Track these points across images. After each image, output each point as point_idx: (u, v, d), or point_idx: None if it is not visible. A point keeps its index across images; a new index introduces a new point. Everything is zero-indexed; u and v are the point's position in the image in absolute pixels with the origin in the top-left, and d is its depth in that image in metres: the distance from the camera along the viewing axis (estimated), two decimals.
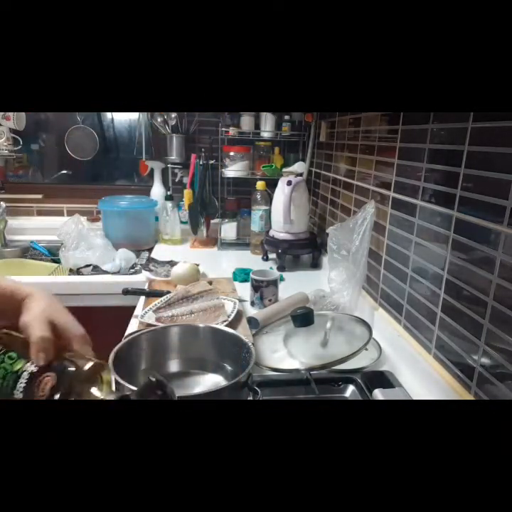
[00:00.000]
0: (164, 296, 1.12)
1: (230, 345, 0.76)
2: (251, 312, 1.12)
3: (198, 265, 1.33)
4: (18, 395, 0.45)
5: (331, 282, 1.20)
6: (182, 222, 1.87)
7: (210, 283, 1.19)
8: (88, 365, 0.47)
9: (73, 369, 0.46)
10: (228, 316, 1.02)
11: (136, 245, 1.69)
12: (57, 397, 0.44)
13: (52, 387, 0.45)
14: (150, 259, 1.56)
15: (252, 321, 1.04)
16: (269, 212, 1.66)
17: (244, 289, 1.26)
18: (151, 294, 1.21)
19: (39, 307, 0.50)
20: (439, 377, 0.84)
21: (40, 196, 2.02)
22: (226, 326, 0.91)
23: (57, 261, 1.61)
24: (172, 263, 1.46)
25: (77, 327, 0.51)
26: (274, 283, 1.18)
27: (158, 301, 1.09)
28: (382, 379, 0.83)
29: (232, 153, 1.79)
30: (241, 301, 1.16)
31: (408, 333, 0.99)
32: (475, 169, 0.74)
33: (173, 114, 1.87)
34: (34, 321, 0.48)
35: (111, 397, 0.45)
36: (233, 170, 1.79)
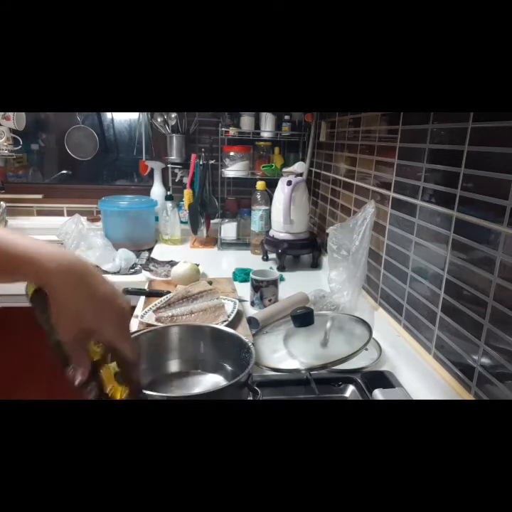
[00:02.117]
0: (164, 296, 1.12)
1: (230, 345, 0.76)
2: (251, 312, 1.12)
3: (198, 265, 1.33)
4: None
5: (331, 282, 1.20)
6: (182, 222, 1.87)
7: (210, 283, 1.19)
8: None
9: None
10: (228, 316, 1.02)
11: (136, 245, 1.69)
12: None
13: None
14: (150, 259, 1.56)
15: (252, 321, 1.04)
16: (269, 212, 1.66)
17: (244, 289, 1.26)
18: (151, 294, 1.21)
19: (67, 314, 0.44)
20: (439, 377, 0.84)
21: (40, 196, 2.02)
22: (226, 326, 0.91)
23: None
24: (172, 263, 1.46)
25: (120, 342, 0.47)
26: (274, 283, 1.18)
27: (158, 301, 1.09)
28: (382, 379, 0.83)
29: (232, 153, 1.79)
30: (241, 301, 1.16)
31: (408, 333, 0.99)
32: (475, 169, 0.74)
33: (173, 114, 1.87)
34: (64, 337, 0.45)
35: None
36: (233, 170, 1.79)
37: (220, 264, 1.63)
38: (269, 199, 1.68)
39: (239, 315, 1.05)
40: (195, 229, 1.81)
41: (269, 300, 1.18)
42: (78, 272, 0.45)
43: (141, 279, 1.41)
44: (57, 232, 1.56)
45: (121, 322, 0.48)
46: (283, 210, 1.51)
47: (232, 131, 1.76)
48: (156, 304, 1.08)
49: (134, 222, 1.73)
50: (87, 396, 0.47)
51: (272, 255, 1.63)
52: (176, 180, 2.03)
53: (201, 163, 1.79)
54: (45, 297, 0.46)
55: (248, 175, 1.81)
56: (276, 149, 1.84)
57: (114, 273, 1.46)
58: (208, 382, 0.76)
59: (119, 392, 0.48)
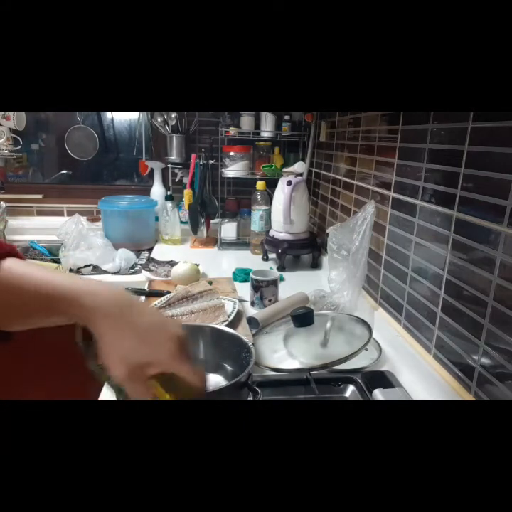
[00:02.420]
0: (164, 296, 1.12)
1: (230, 345, 0.76)
2: (251, 312, 1.12)
3: (198, 265, 1.33)
4: None
5: (331, 282, 1.20)
6: (182, 222, 1.87)
7: (210, 283, 1.19)
8: None
9: None
10: (228, 316, 1.02)
11: (136, 245, 1.69)
12: None
13: None
14: (150, 259, 1.56)
15: (252, 321, 1.04)
16: (269, 212, 1.66)
17: (244, 289, 1.26)
18: (151, 294, 1.21)
19: (115, 355, 0.41)
20: (439, 377, 0.84)
21: (40, 196, 2.02)
22: (226, 326, 0.91)
23: (57, 261, 1.61)
24: (172, 263, 1.46)
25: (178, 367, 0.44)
26: (274, 283, 1.18)
27: (158, 301, 1.09)
28: (382, 379, 0.83)
29: (232, 153, 1.79)
30: (241, 301, 1.16)
31: (408, 333, 0.99)
32: (475, 169, 0.74)
33: (173, 114, 1.87)
34: (117, 379, 0.42)
35: None
36: (233, 170, 1.79)
37: (220, 264, 1.63)
38: (269, 199, 1.68)
39: (239, 315, 1.05)
40: (195, 229, 1.81)
41: (269, 300, 1.18)
42: (118, 304, 0.43)
43: (141, 279, 1.41)
44: (57, 232, 1.56)
45: (177, 349, 0.44)
46: (283, 210, 1.51)
47: (232, 131, 1.76)
48: (156, 304, 1.08)
49: (134, 222, 1.73)
50: None
51: (272, 255, 1.63)
52: (176, 180, 2.03)
53: (201, 163, 1.79)
54: (92, 339, 0.44)
55: (248, 175, 1.81)
56: (276, 149, 1.84)
57: (114, 273, 1.46)
58: (208, 382, 0.76)
59: None
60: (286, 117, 1.78)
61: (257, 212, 1.70)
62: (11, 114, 1.76)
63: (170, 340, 0.44)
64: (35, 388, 1.38)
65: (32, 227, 1.93)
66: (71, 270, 1.51)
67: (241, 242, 1.81)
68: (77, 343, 0.47)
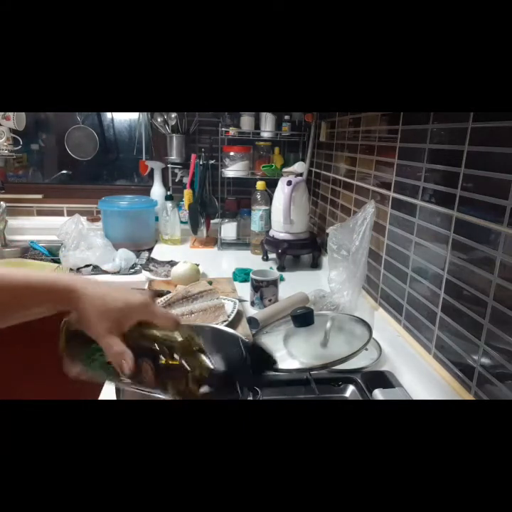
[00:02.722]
0: (164, 296, 1.12)
1: (230, 345, 0.76)
2: (251, 312, 1.12)
3: (198, 265, 1.33)
4: (126, 379, 0.49)
5: (331, 282, 1.20)
6: (182, 222, 1.87)
7: (210, 283, 1.19)
8: (178, 343, 0.51)
9: (163, 362, 0.49)
10: (228, 316, 1.02)
11: (136, 245, 1.69)
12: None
13: (154, 373, 0.48)
14: (150, 259, 1.56)
15: (252, 321, 1.04)
16: (269, 212, 1.66)
17: (244, 289, 1.26)
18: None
19: (96, 312, 0.49)
20: (439, 377, 0.84)
21: (40, 196, 2.02)
22: (226, 326, 0.91)
23: (57, 261, 1.61)
24: (172, 263, 1.46)
25: (147, 311, 0.51)
26: (274, 283, 1.18)
27: (158, 301, 1.09)
28: (382, 379, 0.83)
29: (232, 153, 1.79)
30: (241, 301, 1.16)
31: (408, 333, 0.99)
32: (475, 169, 0.74)
33: (173, 114, 1.87)
34: (99, 336, 0.48)
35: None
36: (233, 170, 1.79)
37: (220, 264, 1.63)
38: (269, 199, 1.68)
39: (239, 315, 1.05)
40: (195, 229, 1.81)
41: (269, 300, 1.18)
42: (90, 283, 0.51)
43: (141, 279, 1.41)
44: (57, 232, 1.56)
45: (146, 301, 0.52)
46: (283, 210, 1.51)
47: (232, 131, 1.76)
48: None
49: (134, 222, 1.73)
50: (143, 384, 0.49)
51: (272, 255, 1.63)
52: (176, 180, 2.03)
53: (201, 163, 1.79)
54: (74, 333, 0.51)
55: (248, 175, 1.81)
56: (276, 149, 1.84)
57: (114, 273, 1.46)
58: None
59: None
60: (286, 117, 1.78)
61: (257, 212, 1.70)
62: (11, 114, 1.76)
63: (139, 293, 0.54)
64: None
65: (32, 227, 1.93)
66: (71, 270, 1.51)
67: (241, 242, 1.81)
68: (62, 351, 0.53)
